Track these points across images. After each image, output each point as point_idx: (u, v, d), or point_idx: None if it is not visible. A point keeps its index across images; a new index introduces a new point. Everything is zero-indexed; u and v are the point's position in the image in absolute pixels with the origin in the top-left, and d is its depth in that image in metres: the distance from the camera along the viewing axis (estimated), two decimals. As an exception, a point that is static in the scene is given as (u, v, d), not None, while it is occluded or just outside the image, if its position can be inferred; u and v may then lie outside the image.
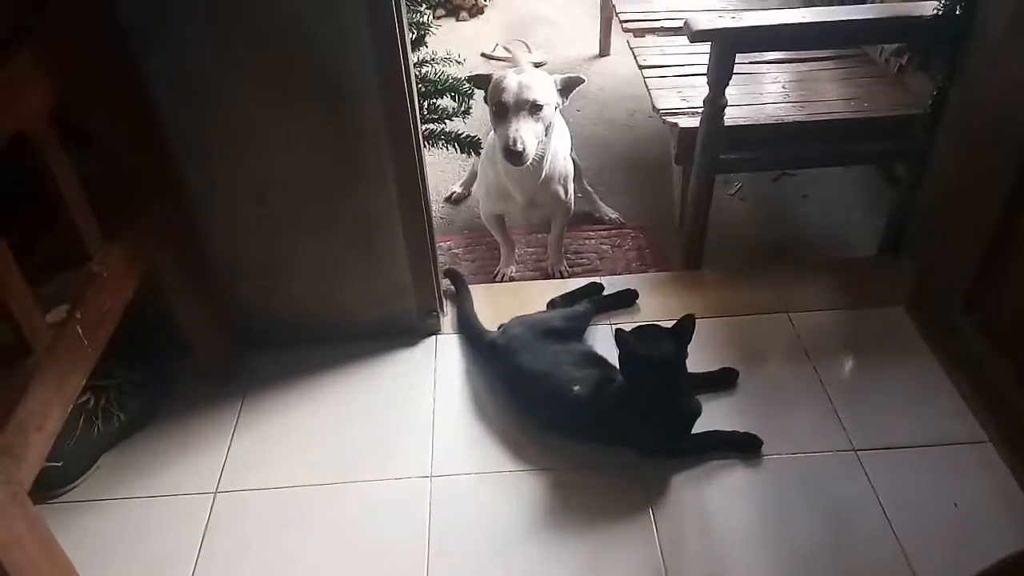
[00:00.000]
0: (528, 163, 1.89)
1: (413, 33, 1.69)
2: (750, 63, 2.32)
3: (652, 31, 2.57)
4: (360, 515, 1.58)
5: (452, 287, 2.07)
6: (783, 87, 2.23)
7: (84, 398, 1.65)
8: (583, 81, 2.03)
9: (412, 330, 1.96)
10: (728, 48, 1.81)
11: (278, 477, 1.66)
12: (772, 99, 2.18)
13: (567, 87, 2.00)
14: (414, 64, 1.72)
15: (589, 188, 2.60)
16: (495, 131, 1.95)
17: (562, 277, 2.28)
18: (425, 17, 1.78)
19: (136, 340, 1.72)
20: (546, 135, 1.94)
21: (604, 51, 3.63)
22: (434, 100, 1.91)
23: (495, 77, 1.95)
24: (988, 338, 1.66)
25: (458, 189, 2.74)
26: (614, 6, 2.80)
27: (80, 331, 1.24)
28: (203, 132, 1.59)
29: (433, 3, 4.09)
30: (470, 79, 2.04)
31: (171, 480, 1.67)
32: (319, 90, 1.55)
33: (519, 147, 1.84)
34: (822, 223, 2.53)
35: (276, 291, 1.85)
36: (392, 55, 1.49)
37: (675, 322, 1.56)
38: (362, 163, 1.66)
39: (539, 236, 2.49)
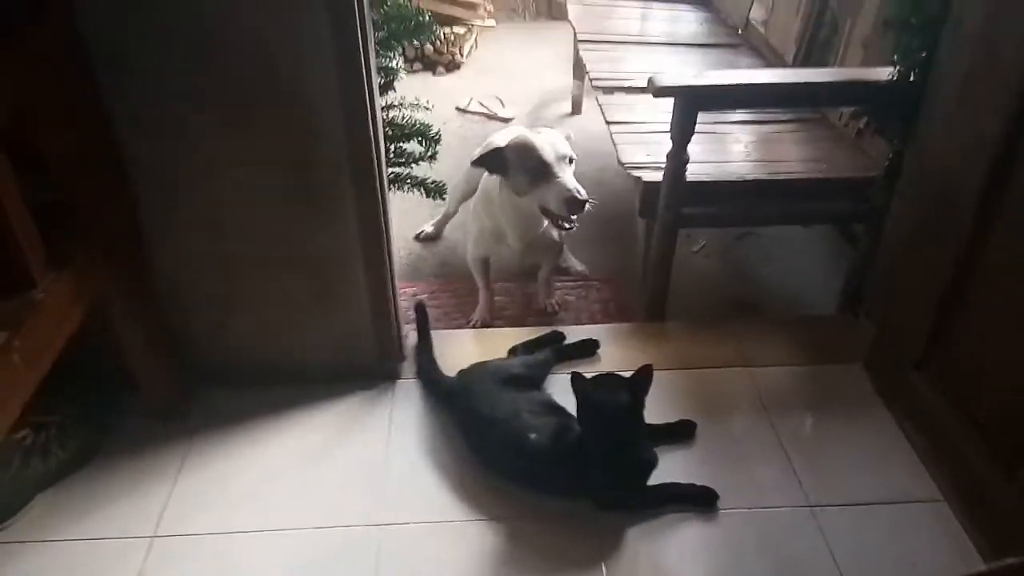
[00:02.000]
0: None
1: (382, 77, 1.71)
2: (714, 123, 2.39)
3: (621, 89, 2.63)
4: (303, 565, 1.52)
5: (415, 319, 2.03)
6: (745, 147, 2.29)
7: (22, 434, 1.59)
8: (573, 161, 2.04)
9: (370, 374, 1.93)
10: (690, 105, 1.85)
11: (219, 522, 1.60)
12: (735, 158, 2.23)
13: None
14: (382, 108, 1.74)
15: (558, 239, 2.62)
16: (533, 191, 1.91)
17: (553, 312, 2.31)
18: (394, 63, 1.80)
19: (81, 375, 1.68)
20: None
21: (576, 110, 3.71)
22: (401, 144, 1.92)
23: (513, 143, 1.93)
24: (941, 395, 1.68)
25: (429, 229, 2.74)
26: (585, 64, 2.87)
27: (18, 359, 1.20)
28: (162, 162, 1.58)
29: (410, 57, 4.19)
30: (478, 161, 1.99)
31: (108, 522, 1.60)
32: (282, 126, 1.55)
33: (583, 195, 1.85)
34: (784, 282, 2.56)
35: (229, 329, 1.82)
36: (358, 95, 1.51)
37: (633, 373, 1.55)
38: (323, 201, 1.65)
39: (506, 285, 2.49)
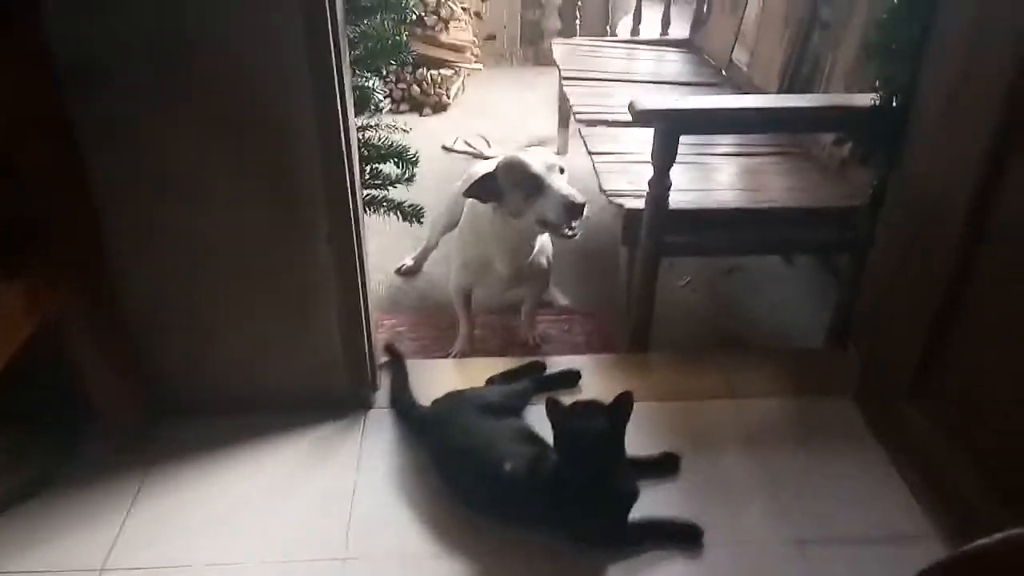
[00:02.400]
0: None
1: (357, 94, 1.68)
2: (698, 155, 2.37)
3: (603, 122, 2.62)
4: (261, 600, 1.43)
5: (388, 359, 1.98)
6: (729, 177, 2.27)
7: (-33, 459, 1.51)
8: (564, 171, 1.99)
9: (342, 403, 1.85)
10: (671, 129, 1.83)
11: (174, 555, 1.50)
12: (718, 187, 2.20)
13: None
14: (358, 127, 1.71)
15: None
16: (529, 207, 1.84)
17: (536, 345, 2.25)
18: (371, 82, 1.77)
19: (37, 398, 1.60)
20: None
21: (562, 150, 3.70)
22: (377, 165, 1.88)
23: (502, 164, 1.88)
24: (934, 426, 1.61)
25: (409, 262, 2.70)
26: (568, 99, 2.87)
27: (-44, 372, 1.13)
28: (132, 177, 1.53)
29: (397, 98, 4.21)
30: (470, 191, 1.92)
31: (56, 554, 1.51)
32: (256, 140, 1.52)
33: (581, 198, 1.78)
34: (771, 316, 2.52)
35: (197, 354, 1.75)
36: (331, 110, 1.47)
37: (612, 400, 1.49)
38: (297, 220, 1.60)
39: (488, 318, 2.44)
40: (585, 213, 1.81)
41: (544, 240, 2.10)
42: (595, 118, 2.65)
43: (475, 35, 4.65)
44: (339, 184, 1.58)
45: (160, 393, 1.78)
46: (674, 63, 3.35)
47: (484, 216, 1.98)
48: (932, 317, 1.61)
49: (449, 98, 4.29)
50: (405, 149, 1.90)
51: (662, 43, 3.60)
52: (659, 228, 1.95)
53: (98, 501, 1.61)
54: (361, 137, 1.75)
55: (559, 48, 3.47)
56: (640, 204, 2.00)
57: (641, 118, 1.82)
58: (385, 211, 1.96)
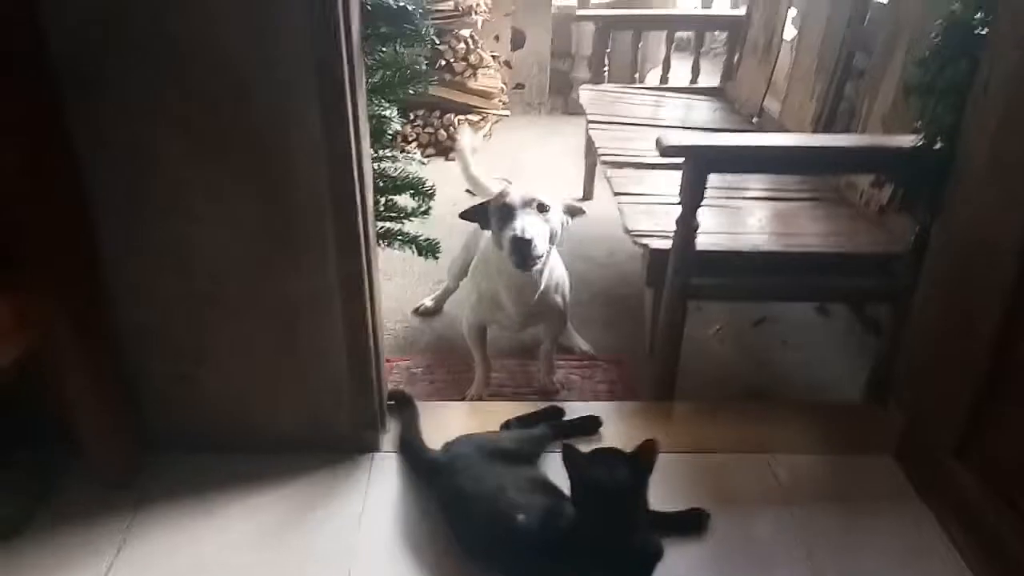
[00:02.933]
0: (537, 267, 1.78)
1: (373, 124, 1.63)
2: (727, 198, 2.28)
3: (629, 165, 2.55)
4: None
5: (395, 401, 1.89)
6: (760, 220, 2.17)
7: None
8: (583, 212, 1.96)
9: (346, 445, 1.75)
10: (700, 166, 1.75)
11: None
12: (749, 230, 2.11)
13: (570, 211, 1.92)
14: (372, 158, 1.65)
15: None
16: (500, 238, 1.81)
17: (554, 391, 2.15)
18: (388, 112, 1.72)
19: (15, 432, 1.52)
20: (551, 244, 1.84)
21: (587, 195, 3.65)
22: (392, 197, 1.82)
23: (496, 194, 1.86)
24: (985, 486, 1.48)
25: (429, 303, 2.62)
26: (594, 141, 2.82)
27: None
28: (127, 191, 1.47)
29: (423, 143, 4.21)
30: (465, 213, 1.92)
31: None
32: (257, 159, 1.46)
33: (527, 234, 1.70)
34: (803, 369, 2.39)
35: (190, 383, 1.67)
36: (342, 136, 1.42)
37: (636, 448, 1.37)
38: (300, 248, 1.54)
39: (506, 362, 2.34)
40: (539, 252, 1.74)
41: (557, 276, 2.01)
42: (620, 160, 2.59)
43: (504, 83, 4.66)
44: (348, 209, 1.50)
45: (150, 427, 1.70)
46: (703, 110, 3.29)
47: (490, 249, 1.94)
48: (982, 372, 1.49)
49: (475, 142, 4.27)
50: (421, 181, 1.84)
51: (691, 91, 3.55)
52: (686, 269, 1.86)
53: (80, 545, 1.51)
54: (376, 168, 1.69)
55: (586, 93, 3.43)
56: (666, 244, 1.91)
57: (669, 154, 1.75)
58: (400, 244, 1.89)
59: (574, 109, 5.00)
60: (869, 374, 2.04)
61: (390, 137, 1.75)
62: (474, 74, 4.28)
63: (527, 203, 1.79)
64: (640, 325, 2.49)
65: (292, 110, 1.40)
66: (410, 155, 1.85)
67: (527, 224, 1.73)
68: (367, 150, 1.51)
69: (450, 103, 4.17)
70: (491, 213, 1.84)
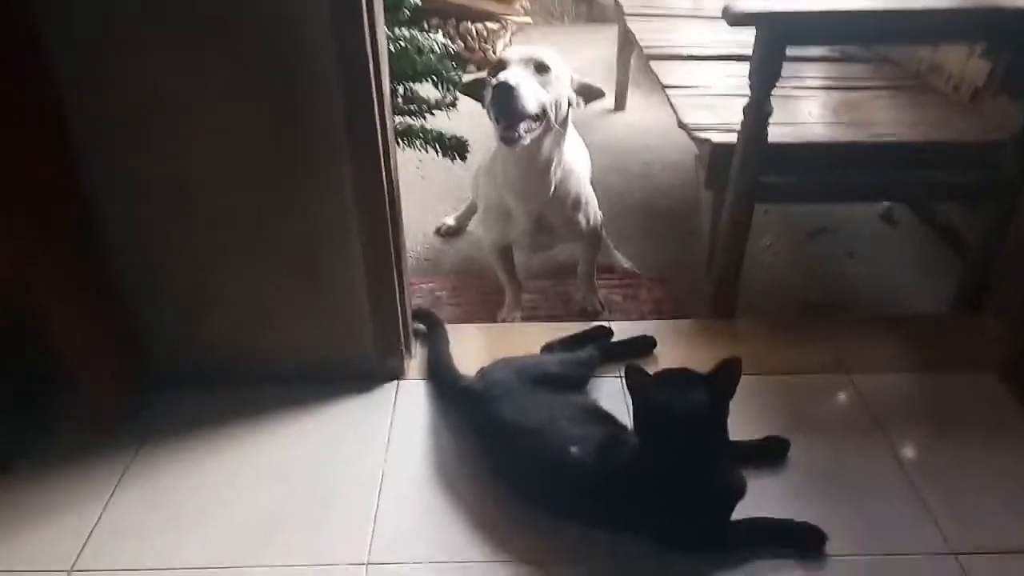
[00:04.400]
0: (525, 141, 1.51)
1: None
2: (789, 87, 1.99)
3: (676, 57, 2.27)
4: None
5: (422, 327, 1.67)
6: (828, 111, 1.89)
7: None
8: (602, 94, 1.76)
9: (369, 373, 1.55)
10: (776, 38, 1.47)
11: (157, 555, 1.21)
12: (817, 120, 1.83)
13: (584, 91, 1.69)
14: (388, 36, 1.38)
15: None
16: (489, 106, 1.56)
17: (596, 314, 1.92)
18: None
19: (5, 367, 1.33)
20: (555, 117, 1.58)
21: (620, 106, 3.35)
22: (411, 84, 1.54)
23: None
24: None
25: (451, 222, 2.38)
26: (634, 34, 2.51)
27: None
28: (110, 106, 1.25)
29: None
30: (465, 88, 1.71)
31: (21, 550, 1.24)
32: (257, 47, 1.22)
33: (513, 81, 1.45)
34: (871, 283, 2.13)
35: (194, 316, 1.47)
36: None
37: (713, 367, 1.14)
38: (311, 157, 1.31)
39: (539, 283, 2.11)
40: (528, 109, 1.49)
41: (574, 188, 1.75)
42: (665, 53, 2.29)
43: (525, -12, 4.31)
44: (363, 101, 1.26)
45: (152, 361, 1.51)
46: (751, 1, 2.96)
47: (496, 152, 1.70)
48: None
49: (495, 54, 3.95)
50: (445, 64, 1.56)
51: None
52: (755, 165, 1.59)
53: (74, 487, 1.33)
54: (390, 48, 1.42)
55: (621, -15, 3.09)
56: (730, 139, 1.64)
57: (739, 22, 1.46)
58: (422, 143, 1.62)
59: (599, 17, 4.65)
60: (958, 284, 1.80)
61: (408, 14, 1.46)
62: (492, -24, 3.93)
63: (524, 60, 1.55)
64: (683, 239, 2.25)
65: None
66: (431, 34, 1.56)
67: (516, 74, 1.49)
68: (380, 19, 1.25)
69: (467, 10, 3.84)
70: (487, 83, 1.58)
